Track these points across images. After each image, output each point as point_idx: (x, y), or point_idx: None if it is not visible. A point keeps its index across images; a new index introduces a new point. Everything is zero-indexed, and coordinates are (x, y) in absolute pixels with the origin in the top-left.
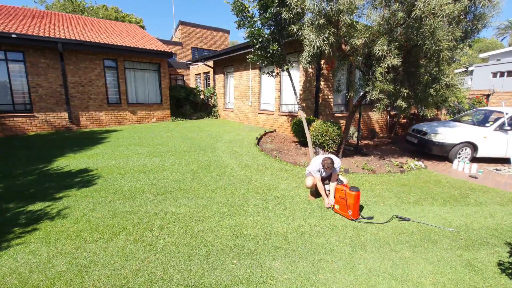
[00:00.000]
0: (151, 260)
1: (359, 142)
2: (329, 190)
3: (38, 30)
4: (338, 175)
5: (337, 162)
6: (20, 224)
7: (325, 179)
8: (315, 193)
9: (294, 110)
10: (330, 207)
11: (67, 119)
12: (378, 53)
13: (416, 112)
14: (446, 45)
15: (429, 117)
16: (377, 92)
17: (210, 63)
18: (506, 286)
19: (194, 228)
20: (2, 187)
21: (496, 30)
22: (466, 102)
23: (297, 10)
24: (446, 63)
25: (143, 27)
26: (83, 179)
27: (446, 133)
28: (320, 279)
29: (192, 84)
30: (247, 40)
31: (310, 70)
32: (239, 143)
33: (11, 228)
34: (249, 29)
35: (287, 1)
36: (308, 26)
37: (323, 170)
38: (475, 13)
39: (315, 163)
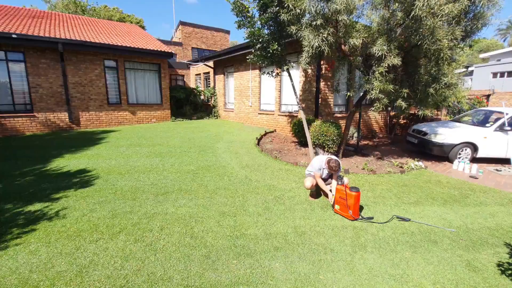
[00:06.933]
0: (151, 261)
1: (359, 142)
2: (330, 190)
3: (39, 30)
4: (338, 175)
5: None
6: (19, 225)
7: (326, 180)
8: (315, 193)
9: (294, 111)
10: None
11: (67, 119)
12: (377, 53)
13: (415, 112)
14: (446, 45)
15: (429, 115)
16: (377, 92)
17: (210, 63)
18: (506, 287)
19: (194, 228)
20: (0, 187)
21: (497, 30)
22: (466, 102)
23: (296, 11)
24: (446, 63)
25: (143, 28)
26: (82, 179)
27: (446, 134)
28: (320, 279)
29: (192, 85)
30: (247, 40)
31: (310, 71)
32: (239, 143)
33: (10, 228)
34: (249, 29)
35: (285, 3)
36: (307, 27)
37: (325, 169)
38: (475, 12)
39: (317, 162)
